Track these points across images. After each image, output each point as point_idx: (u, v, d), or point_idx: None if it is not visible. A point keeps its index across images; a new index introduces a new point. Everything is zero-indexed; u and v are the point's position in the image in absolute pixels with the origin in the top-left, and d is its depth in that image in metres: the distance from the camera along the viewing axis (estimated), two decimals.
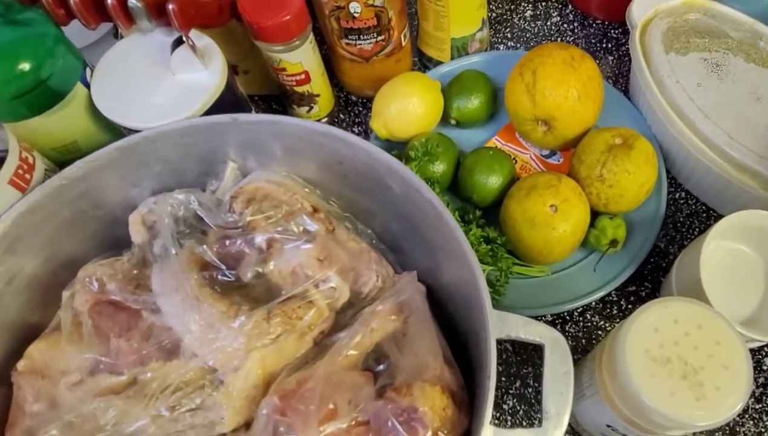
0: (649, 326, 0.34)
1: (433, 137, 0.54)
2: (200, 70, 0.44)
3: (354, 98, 0.65)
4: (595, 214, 0.53)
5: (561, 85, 0.51)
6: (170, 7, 0.40)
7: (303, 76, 0.54)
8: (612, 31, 0.68)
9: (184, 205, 0.41)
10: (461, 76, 0.59)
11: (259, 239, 0.41)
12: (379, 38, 0.55)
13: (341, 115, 0.64)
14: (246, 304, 0.38)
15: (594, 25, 0.69)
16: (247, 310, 0.38)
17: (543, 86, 0.51)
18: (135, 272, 0.39)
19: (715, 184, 0.54)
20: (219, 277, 0.39)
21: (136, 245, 0.42)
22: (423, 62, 0.65)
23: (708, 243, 0.45)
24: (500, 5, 0.70)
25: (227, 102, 0.45)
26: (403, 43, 0.59)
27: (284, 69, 0.53)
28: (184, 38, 0.41)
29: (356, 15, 0.51)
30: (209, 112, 0.44)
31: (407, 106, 0.54)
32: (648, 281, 0.55)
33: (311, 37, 0.53)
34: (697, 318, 0.34)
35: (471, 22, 0.59)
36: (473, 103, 0.58)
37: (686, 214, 0.58)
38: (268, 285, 0.40)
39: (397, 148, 0.57)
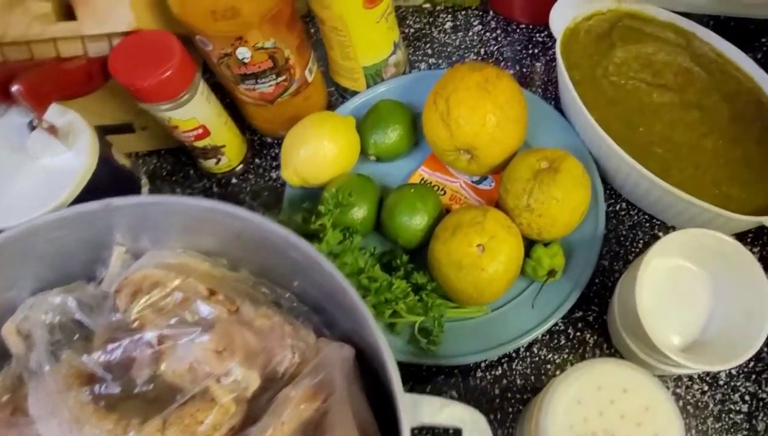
0: (572, 398, 0.31)
1: (347, 184, 0.50)
2: (64, 152, 0.40)
3: (270, 140, 0.61)
4: (531, 242, 0.50)
5: (476, 112, 0.48)
6: (15, 88, 0.36)
7: (200, 131, 0.50)
8: (537, 35, 0.65)
9: (61, 309, 0.37)
10: (376, 107, 0.55)
11: (149, 337, 0.37)
12: (280, 79, 0.51)
13: (257, 160, 0.60)
14: (139, 416, 0.35)
15: (518, 30, 0.66)
16: (138, 423, 0.34)
17: (458, 115, 0.48)
18: (8, 395, 0.35)
19: (650, 193, 0.51)
20: (105, 389, 0.35)
21: (14, 358, 0.38)
22: (340, 92, 0.62)
23: (645, 266, 0.43)
24: (418, 19, 0.67)
25: (104, 181, 0.41)
26: (310, 79, 0.55)
27: (177, 126, 0.49)
28: (35, 122, 0.37)
29: (246, 60, 0.47)
30: (83, 196, 0.40)
31: (318, 149, 0.51)
32: (595, 303, 0.53)
33: (202, 87, 0.49)
34: (622, 381, 0.31)
35: (380, 48, 0.56)
36: (391, 136, 0.54)
37: (629, 226, 0.56)
38: (164, 388, 0.36)
39: (314, 194, 0.53)
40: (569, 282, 0.50)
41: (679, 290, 0.47)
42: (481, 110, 0.48)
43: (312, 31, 0.63)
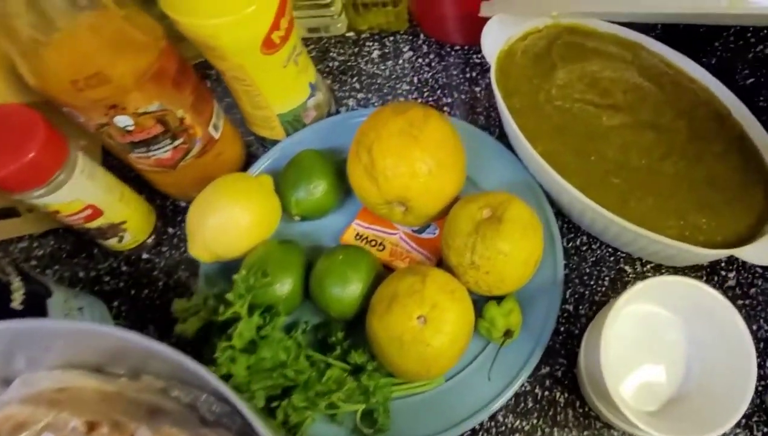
0: None
1: (265, 256, 0.44)
2: None
3: (184, 204, 0.54)
4: (484, 298, 0.44)
5: (403, 162, 0.42)
6: None
7: (89, 212, 0.43)
8: (474, 57, 0.60)
9: None
10: (296, 161, 0.49)
11: None
12: (177, 143, 0.45)
13: (170, 230, 0.53)
14: None
15: (453, 53, 0.60)
16: None
17: (383, 167, 0.42)
18: None
19: (608, 229, 0.46)
20: None
21: None
22: (260, 142, 0.55)
23: (612, 319, 0.37)
24: (342, 50, 0.61)
25: None
26: (216, 136, 0.48)
27: (58, 211, 0.42)
28: None
29: (130, 128, 0.41)
30: None
31: (229, 219, 0.44)
32: (561, 355, 0.47)
33: (81, 162, 0.42)
34: None
35: (294, 93, 0.49)
36: (315, 192, 0.48)
37: (591, 261, 0.50)
38: None
39: (236, 266, 0.46)
40: (530, 338, 0.45)
41: (652, 341, 0.42)
42: (409, 159, 0.42)
43: (215, 77, 0.57)
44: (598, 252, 0.50)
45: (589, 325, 0.46)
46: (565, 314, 0.48)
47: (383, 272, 0.46)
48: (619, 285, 0.49)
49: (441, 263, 0.47)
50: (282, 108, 0.49)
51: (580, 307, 0.49)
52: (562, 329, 0.48)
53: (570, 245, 0.51)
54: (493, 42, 0.50)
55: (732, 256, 0.43)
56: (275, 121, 0.50)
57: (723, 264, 0.49)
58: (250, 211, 0.45)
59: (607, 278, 0.49)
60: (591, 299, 0.49)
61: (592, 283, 0.49)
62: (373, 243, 0.49)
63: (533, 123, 0.48)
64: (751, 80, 0.52)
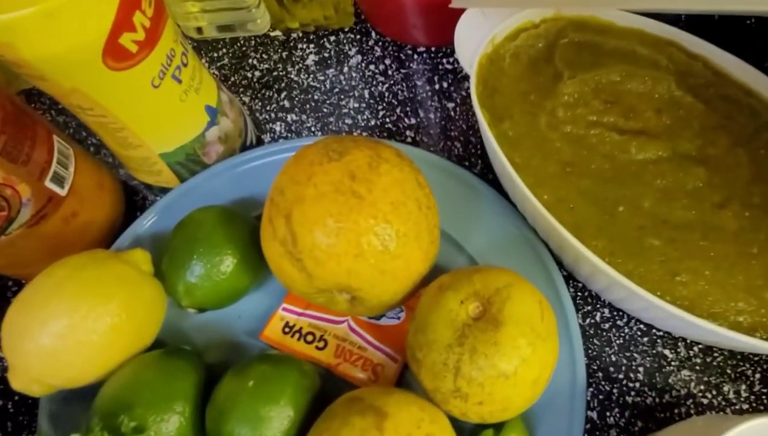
0: None
1: (132, 387, 0.28)
2: None
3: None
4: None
5: (342, 237, 0.27)
6: None
7: None
8: (445, 61, 0.45)
9: None
10: (186, 224, 0.33)
11: None
12: None
13: None
14: None
15: (416, 57, 0.45)
16: None
17: (310, 245, 0.27)
18: None
19: (648, 311, 0.32)
20: None
21: None
22: (153, 192, 0.39)
23: None
24: (265, 55, 0.45)
25: None
26: (63, 191, 0.32)
27: None
28: None
29: None
30: None
31: (68, 331, 0.28)
32: None
33: None
34: None
35: (181, 123, 0.34)
36: (219, 271, 0.32)
37: (618, 345, 0.36)
38: None
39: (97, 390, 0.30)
40: None
41: None
42: (351, 232, 0.27)
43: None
44: (626, 330, 0.37)
45: None
46: (588, 426, 0.34)
47: (320, 396, 0.30)
48: (658, 378, 0.35)
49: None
50: (165, 145, 0.34)
51: (608, 414, 0.34)
52: None
53: (587, 321, 0.37)
54: (471, 43, 0.35)
55: None
56: (159, 163, 0.35)
57: None
58: (107, 314, 0.29)
59: (641, 369, 0.35)
60: (621, 401, 0.35)
61: (621, 377, 0.35)
62: (310, 338, 0.34)
63: (535, 159, 0.33)
64: None
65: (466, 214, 0.36)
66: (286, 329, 0.35)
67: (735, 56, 0.36)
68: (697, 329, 0.29)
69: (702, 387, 0.35)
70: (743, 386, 0.35)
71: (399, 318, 0.35)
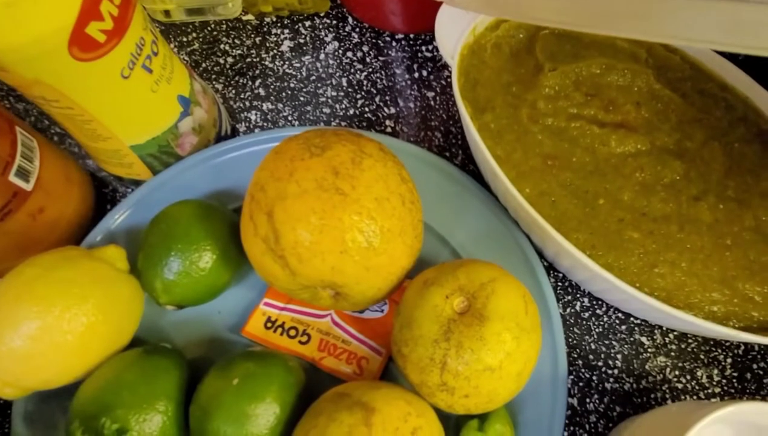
0: None
1: (112, 388, 0.28)
2: None
3: None
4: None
5: (327, 234, 0.27)
6: None
7: None
8: (425, 49, 0.45)
9: None
10: (162, 219, 0.32)
11: None
12: None
13: None
14: None
15: (394, 43, 0.45)
16: None
17: (293, 242, 0.27)
18: None
19: (629, 303, 0.33)
20: None
21: None
22: (124, 184, 0.38)
23: None
24: (238, 41, 0.44)
25: None
26: (29, 186, 0.31)
27: None
28: None
29: None
30: None
31: (42, 333, 0.27)
32: None
33: None
34: None
35: (152, 114, 0.33)
36: (197, 267, 0.32)
37: (597, 333, 0.37)
38: None
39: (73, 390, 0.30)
40: None
41: None
42: (335, 229, 0.26)
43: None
44: (605, 319, 0.38)
45: (607, 431, 0.34)
46: (569, 412, 0.36)
47: (306, 391, 0.31)
48: (635, 365, 0.36)
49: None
50: (136, 137, 0.33)
51: (588, 400, 0.36)
52: (566, 433, 0.35)
53: (567, 311, 0.38)
54: (452, 34, 0.35)
55: None
56: (130, 155, 0.34)
57: None
58: (82, 314, 0.28)
59: (619, 356, 0.37)
60: (601, 387, 0.36)
61: (600, 364, 0.37)
62: (293, 332, 0.34)
63: (517, 152, 0.34)
64: None
65: (448, 206, 0.37)
66: (269, 324, 0.34)
67: (711, 50, 0.37)
68: (674, 319, 0.30)
69: (677, 372, 0.36)
70: (715, 371, 0.36)
71: (383, 311, 0.36)
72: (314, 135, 0.29)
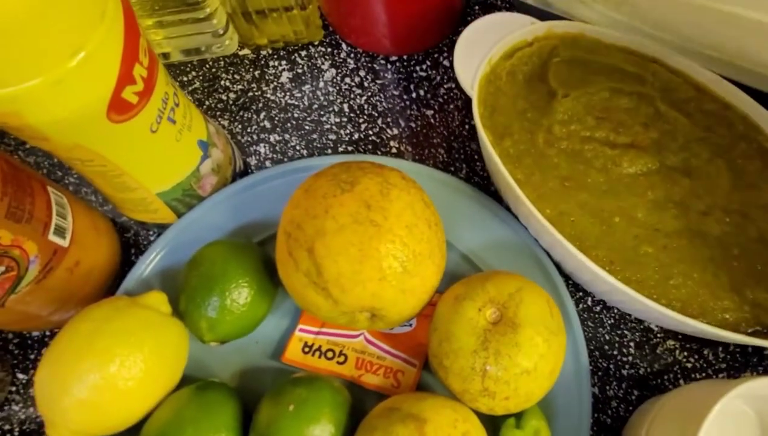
0: None
1: (172, 427, 0.30)
2: None
3: (38, 335, 0.38)
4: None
5: (366, 264, 0.29)
6: None
7: None
8: (418, 69, 0.48)
9: None
10: (199, 262, 0.35)
11: None
12: None
13: (20, 376, 0.37)
14: None
15: (389, 66, 0.48)
16: None
17: (336, 275, 0.29)
18: None
19: (647, 315, 0.36)
20: None
21: None
22: (141, 224, 0.40)
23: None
24: (238, 76, 0.47)
25: None
26: (66, 242, 0.33)
27: None
28: None
29: None
30: None
31: (101, 384, 0.30)
32: None
33: None
34: None
35: (177, 162, 0.35)
36: (237, 303, 0.34)
37: (609, 325, 0.41)
38: None
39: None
40: None
41: None
42: (373, 259, 0.29)
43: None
44: (615, 310, 0.41)
45: (628, 414, 0.38)
46: (591, 401, 0.39)
47: (350, 410, 0.33)
48: (647, 350, 0.40)
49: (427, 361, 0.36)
50: (162, 185, 0.35)
51: (608, 388, 0.39)
52: (591, 421, 0.38)
53: (580, 306, 0.41)
54: (469, 65, 0.38)
55: None
56: (156, 202, 0.36)
57: None
58: (140, 361, 0.31)
59: (632, 343, 0.40)
60: (618, 374, 0.40)
61: (615, 353, 0.40)
62: (330, 354, 0.37)
63: (535, 176, 0.37)
64: None
65: (461, 220, 0.40)
66: (306, 349, 0.37)
67: (713, 72, 0.40)
68: (690, 327, 0.33)
69: (686, 353, 0.40)
70: (720, 348, 0.40)
71: (411, 325, 0.38)
72: (341, 170, 0.32)
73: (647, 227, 0.36)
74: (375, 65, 0.47)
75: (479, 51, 0.39)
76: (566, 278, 0.42)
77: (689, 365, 0.40)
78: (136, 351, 0.30)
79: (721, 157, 0.38)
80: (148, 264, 0.37)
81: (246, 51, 0.47)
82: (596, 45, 0.41)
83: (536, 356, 0.30)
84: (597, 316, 0.41)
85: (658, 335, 0.41)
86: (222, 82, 0.46)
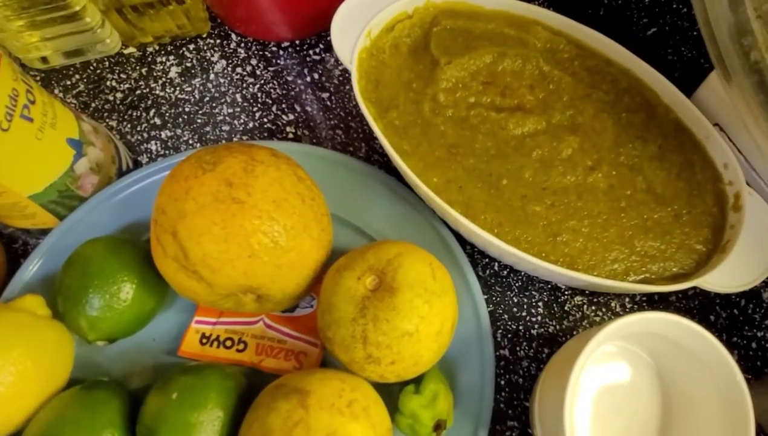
0: None
1: (53, 429, 0.30)
2: None
3: None
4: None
5: (231, 242, 0.30)
6: None
7: None
8: (311, 53, 0.49)
9: None
10: (75, 260, 0.35)
11: None
12: None
13: None
14: None
15: (281, 52, 0.48)
16: None
17: (202, 256, 0.30)
18: None
19: (537, 271, 0.38)
20: None
21: None
22: (29, 234, 0.40)
23: (575, 381, 0.29)
24: (124, 75, 0.47)
25: None
26: None
27: None
28: None
29: None
30: None
31: None
32: (510, 416, 0.39)
33: None
34: None
35: (43, 162, 0.35)
36: (119, 299, 0.34)
37: (517, 288, 0.42)
38: None
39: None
40: (469, 419, 0.37)
41: (622, 390, 0.34)
42: (239, 236, 0.30)
43: None
44: (522, 274, 0.43)
45: (539, 372, 0.39)
46: (502, 363, 0.40)
47: (249, 394, 0.34)
48: (556, 308, 0.41)
49: None
50: (32, 187, 0.35)
51: (518, 348, 0.40)
52: (502, 381, 0.39)
53: (487, 272, 0.42)
54: (348, 39, 0.39)
55: None
56: (31, 206, 0.36)
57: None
58: (10, 364, 0.30)
59: (540, 304, 0.42)
60: (528, 335, 0.41)
61: (524, 314, 0.41)
62: (229, 343, 0.37)
63: (422, 146, 0.38)
64: (653, 30, 0.46)
65: (358, 198, 0.41)
66: (204, 340, 0.37)
67: (593, 29, 0.42)
68: (579, 281, 0.35)
69: (593, 308, 0.41)
70: (626, 299, 0.42)
71: (312, 306, 0.39)
72: (205, 153, 0.32)
73: (535, 186, 0.37)
74: (267, 52, 0.48)
75: (358, 26, 0.40)
76: (472, 245, 0.43)
77: (597, 319, 0.41)
78: (5, 353, 0.30)
79: (606, 112, 0.40)
80: (30, 271, 0.37)
81: (132, 49, 0.47)
82: (477, 12, 0.43)
83: (416, 317, 0.31)
84: (504, 280, 0.42)
85: (566, 293, 0.42)
86: (108, 83, 0.46)
